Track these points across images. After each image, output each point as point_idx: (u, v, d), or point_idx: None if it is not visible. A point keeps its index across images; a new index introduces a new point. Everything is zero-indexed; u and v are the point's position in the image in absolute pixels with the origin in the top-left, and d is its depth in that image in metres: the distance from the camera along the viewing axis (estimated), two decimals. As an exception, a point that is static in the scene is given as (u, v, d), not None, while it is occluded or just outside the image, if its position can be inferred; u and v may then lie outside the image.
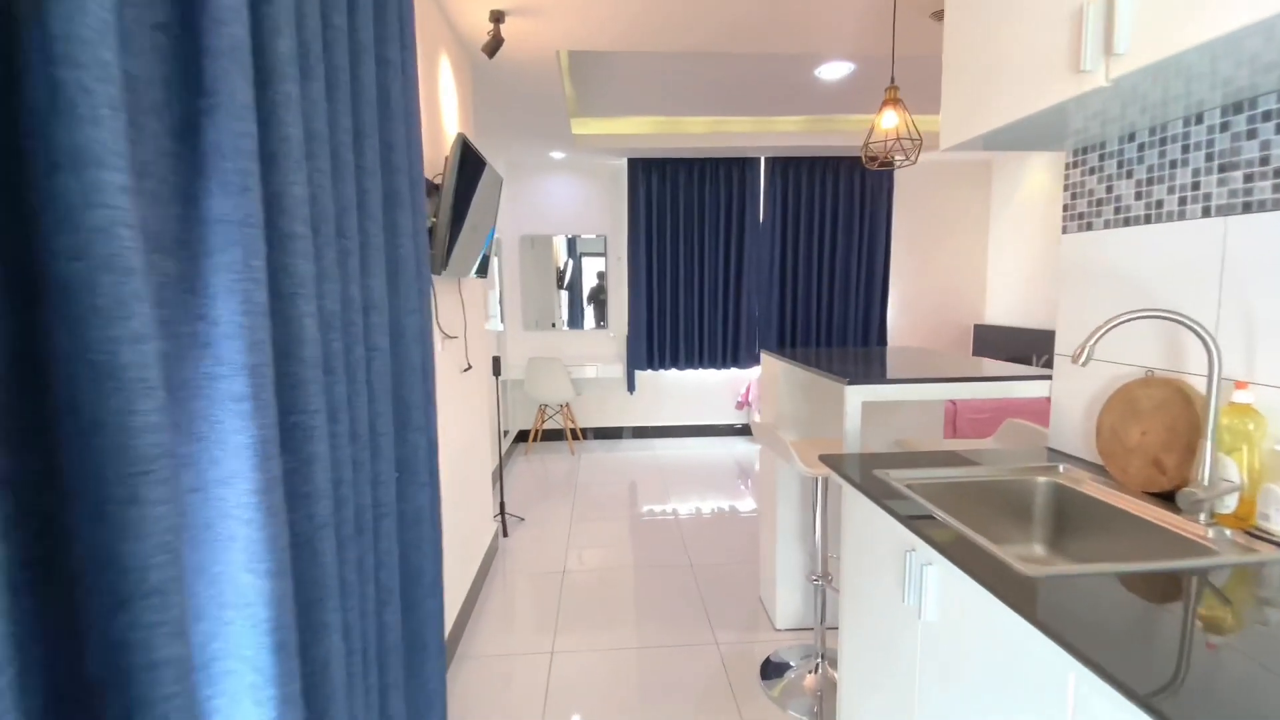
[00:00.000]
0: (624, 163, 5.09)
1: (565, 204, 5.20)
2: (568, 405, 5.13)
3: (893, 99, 2.37)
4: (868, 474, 1.37)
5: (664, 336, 5.15)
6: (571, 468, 4.61)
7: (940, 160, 5.28)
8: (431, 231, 1.90)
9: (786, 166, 5.03)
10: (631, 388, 5.25)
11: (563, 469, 4.58)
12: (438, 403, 1.96)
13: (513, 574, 2.91)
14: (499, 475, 3.14)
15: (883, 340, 5.24)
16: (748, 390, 5.31)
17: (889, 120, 2.37)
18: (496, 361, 3.10)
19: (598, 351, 5.36)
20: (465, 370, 2.48)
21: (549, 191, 5.18)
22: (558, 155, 4.88)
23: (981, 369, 2.01)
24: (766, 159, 5.02)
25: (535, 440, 5.34)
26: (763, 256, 5.10)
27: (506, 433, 4.85)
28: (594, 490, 4.09)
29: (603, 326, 5.32)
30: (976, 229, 5.40)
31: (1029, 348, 4.87)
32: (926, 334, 5.51)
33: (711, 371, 5.35)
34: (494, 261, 4.67)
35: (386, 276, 1.23)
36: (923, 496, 1.27)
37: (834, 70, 3.57)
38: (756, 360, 5.22)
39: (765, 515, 2.59)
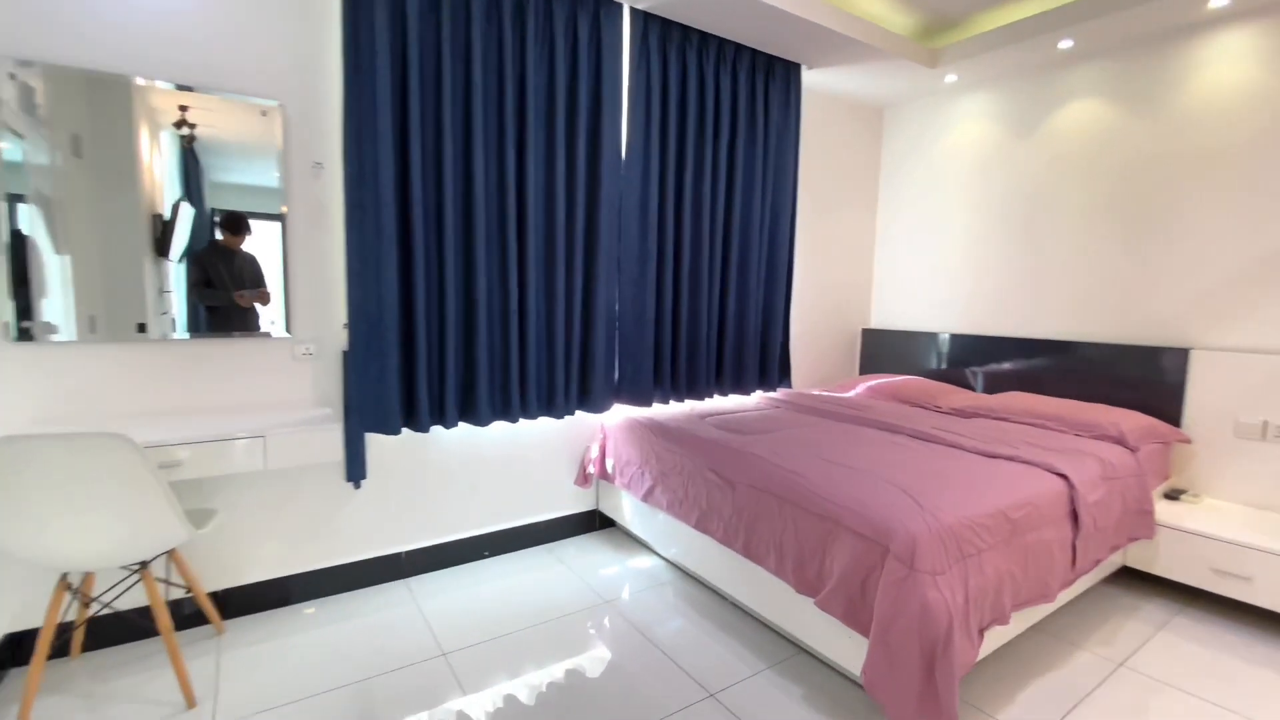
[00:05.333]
0: (330, -73, 2.07)
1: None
2: (171, 554, 1.87)
3: None
4: None
5: (436, 356, 2.31)
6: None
7: (828, 92, 3.67)
8: None
9: (667, 37, 2.72)
10: (358, 475, 2.26)
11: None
12: None
13: None
14: None
15: (785, 354, 3.37)
16: (603, 447, 2.83)
17: None
18: None
19: (263, 395, 2.19)
20: None
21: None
22: None
23: None
24: (636, 12, 2.63)
25: (76, 653, 1.90)
26: (629, 207, 2.69)
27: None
28: None
29: (270, 335, 2.18)
30: (864, 197, 3.97)
31: (937, 358, 3.60)
32: (817, 341, 3.87)
33: (535, 424, 2.69)
34: None
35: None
36: None
37: None
38: (622, 396, 2.78)
39: None
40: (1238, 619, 2.25)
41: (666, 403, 2.88)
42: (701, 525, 2.19)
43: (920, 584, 1.51)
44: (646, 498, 2.48)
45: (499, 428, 2.58)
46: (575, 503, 2.87)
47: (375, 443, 2.34)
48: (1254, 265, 2.51)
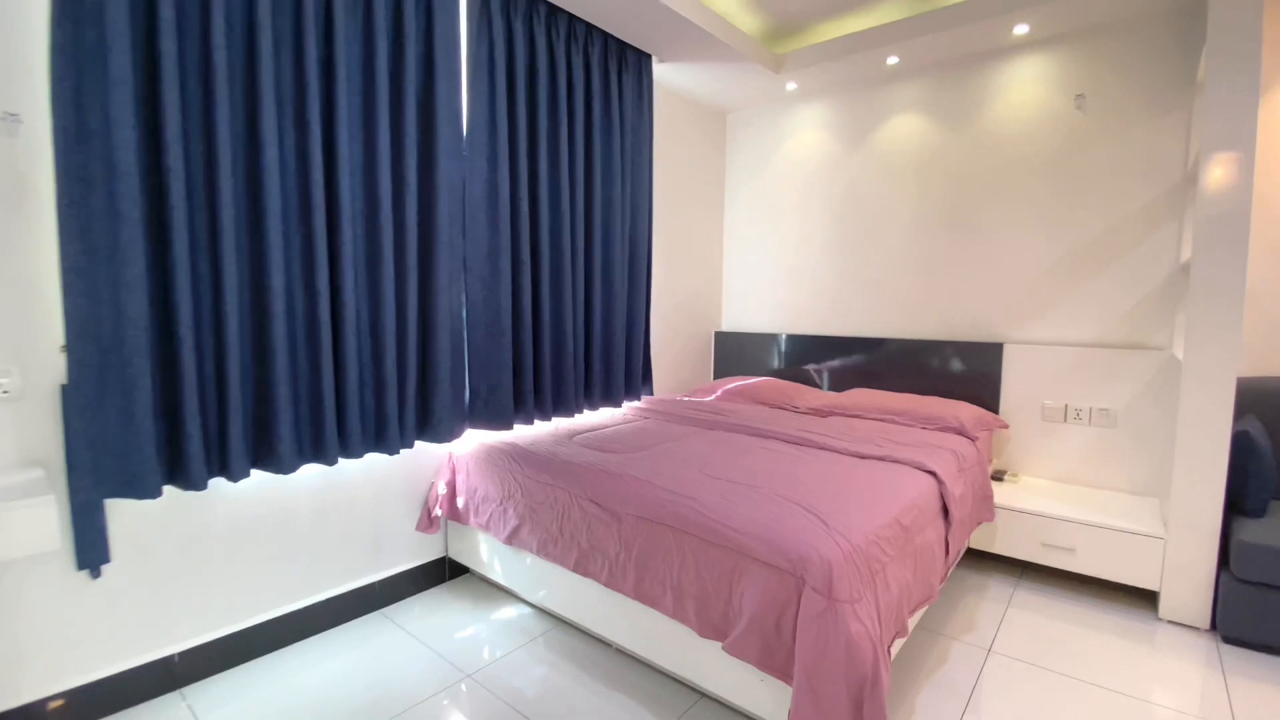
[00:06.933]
0: None
1: None
2: None
3: None
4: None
5: (213, 386, 1.70)
6: None
7: (676, 91, 3.57)
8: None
9: (511, 3, 2.37)
10: (96, 560, 1.59)
11: None
12: None
13: None
14: None
15: (648, 360, 3.18)
16: (451, 483, 2.36)
17: None
18: None
19: (-90, 457, 1.43)
20: None
21: None
22: None
23: None
24: (474, -31, 2.24)
25: None
26: (476, 194, 2.28)
27: None
28: None
29: (-68, 363, 1.44)
30: (712, 201, 3.95)
31: (786, 358, 3.68)
32: (674, 345, 3.75)
33: (361, 463, 2.15)
34: None
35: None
36: None
37: None
38: (476, 420, 2.35)
39: None
40: (1065, 586, 2.49)
41: (531, 423, 2.51)
42: (582, 567, 1.88)
43: (842, 616, 1.36)
44: (511, 539, 2.10)
45: (311, 473, 2.02)
46: (418, 552, 2.38)
47: (123, 511, 1.67)
48: (1052, 267, 2.84)
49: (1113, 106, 2.65)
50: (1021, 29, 2.69)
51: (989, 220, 3.00)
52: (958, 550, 2.16)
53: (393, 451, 2.05)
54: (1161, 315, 2.60)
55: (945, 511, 2.06)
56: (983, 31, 2.73)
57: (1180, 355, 2.32)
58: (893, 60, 3.07)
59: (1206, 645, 2.07)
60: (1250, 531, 2.01)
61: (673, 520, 1.69)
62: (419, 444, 2.22)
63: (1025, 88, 2.86)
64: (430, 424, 2.17)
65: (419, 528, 2.34)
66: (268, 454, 1.79)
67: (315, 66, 1.79)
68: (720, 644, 1.55)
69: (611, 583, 1.79)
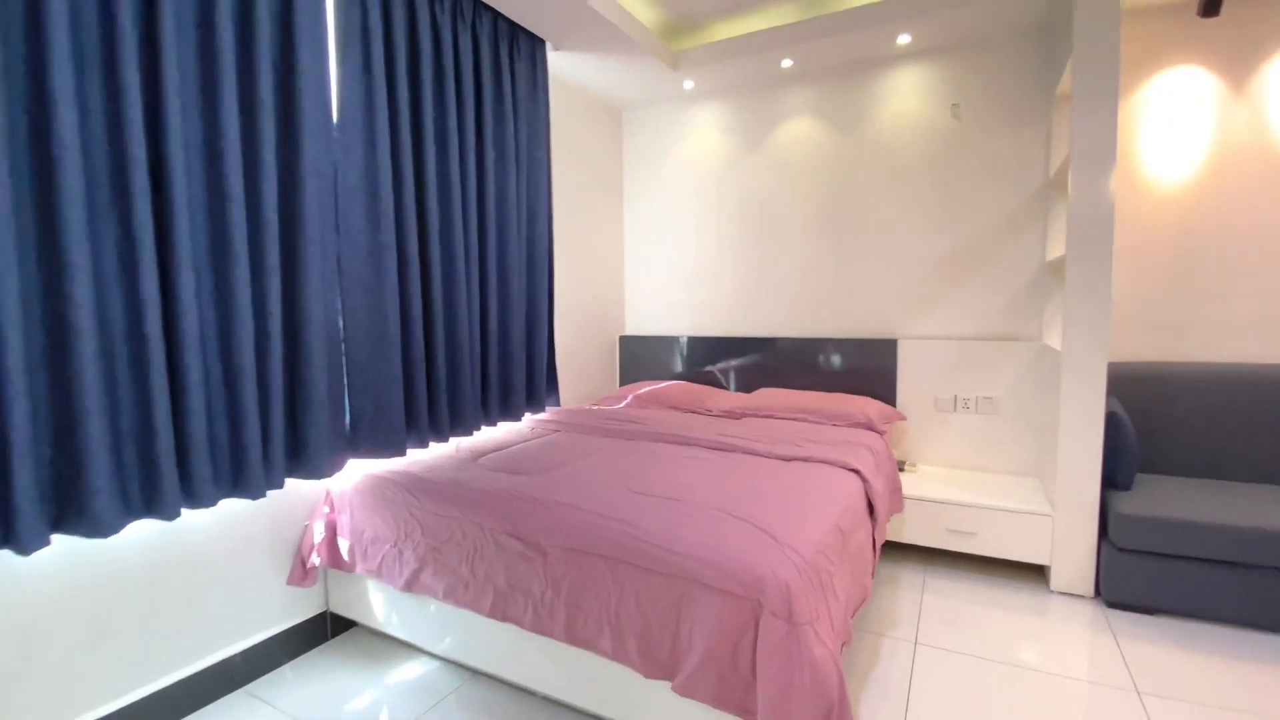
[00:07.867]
0: None
1: None
2: None
3: None
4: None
5: (-6, 424, 1.26)
6: None
7: (571, 83, 3.40)
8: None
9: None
10: None
11: None
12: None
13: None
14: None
15: (552, 368, 2.96)
16: (331, 524, 1.98)
17: None
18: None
19: None
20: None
21: None
22: None
23: None
24: (339, -80, 1.91)
25: None
26: (351, 185, 1.94)
27: None
28: None
29: None
30: (611, 202, 3.81)
31: (692, 361, 3.63)
32: (579, 351, 3.54)
33: (213, 511, 1.72)
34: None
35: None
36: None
37: None
38: (360, 448, 1.99)
39: None
40: (969, 568, 2.60)
41: (426, 445, 2.19)
42: (499, 611, 1.63)
43: (804, 640, 1.25)
44: (410, 586, 1.79)
45: (145, 531, 1.59)
46: (291, 610, 1.98)
47: None
48: (937, 266, 2.99)
49: (983, 116, 2.84)
50: (904, 39, 2.81)
51: (879, 222, 3.12)
52: (881, 546, 2.17)
53: (256, 495, 1.67)
54: (1031, 308, 2.83)
55: (870, 509, 2.06)
56: (868, 39, 2.82)
57: (1052, 344, 2.52)
58: (787, 63, 3.10)
59: (1093, 612, 2.23)
60: (1123, 503, 2.20)
61: (607, 549, 1.50)
62: (290, 482, 1.84)
63: (909, 95, 3.00)
64: (304, 456, 1.81)
65: (291, 581, 1.95)
66: (77, 513, 1.37)
67: (129, 8, 1.40)
68: (669, 684, 1.39)
69: (537, 626, 1.57)
